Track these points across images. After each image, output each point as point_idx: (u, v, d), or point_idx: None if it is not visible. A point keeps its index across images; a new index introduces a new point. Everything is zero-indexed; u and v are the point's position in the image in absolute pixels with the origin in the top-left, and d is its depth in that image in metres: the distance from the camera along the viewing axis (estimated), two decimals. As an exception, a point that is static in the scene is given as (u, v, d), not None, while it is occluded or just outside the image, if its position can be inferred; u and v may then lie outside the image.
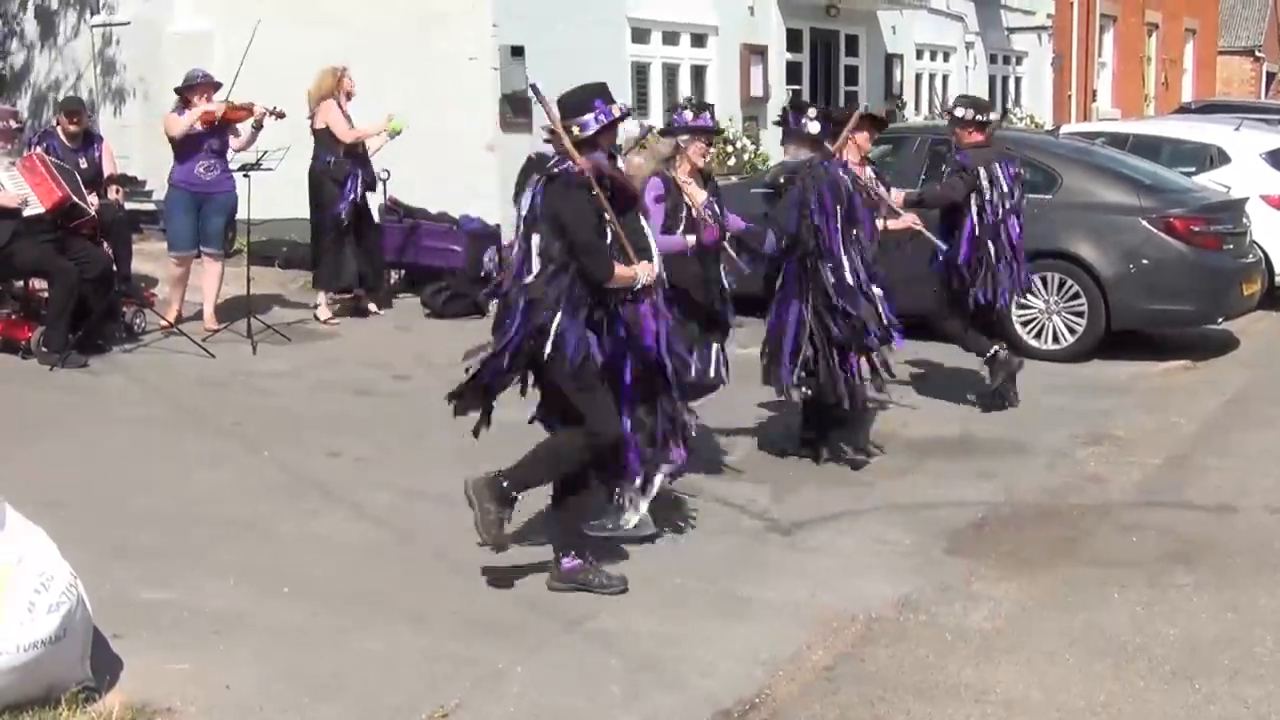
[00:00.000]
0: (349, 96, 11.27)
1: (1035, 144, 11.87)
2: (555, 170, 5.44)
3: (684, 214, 6.69)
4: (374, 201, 12.15)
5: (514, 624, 5.30)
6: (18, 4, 16.39)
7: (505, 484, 5.50)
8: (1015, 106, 25.93)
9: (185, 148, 10.48)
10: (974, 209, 8.66)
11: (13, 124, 10.06)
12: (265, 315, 10.71)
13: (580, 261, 5.40)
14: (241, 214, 10.74)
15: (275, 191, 10.92)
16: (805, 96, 18.53)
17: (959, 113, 8.99)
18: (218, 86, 10.58)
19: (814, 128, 7.46)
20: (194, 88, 10.48)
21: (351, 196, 11.22)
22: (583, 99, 5.55)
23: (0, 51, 16.41)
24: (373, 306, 11.76)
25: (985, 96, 24.20)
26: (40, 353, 9.55)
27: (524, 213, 5.46)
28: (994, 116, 9.18)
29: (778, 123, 7.82)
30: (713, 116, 7.21)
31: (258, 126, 10.57)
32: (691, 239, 6.67)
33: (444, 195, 12.91)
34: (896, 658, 5.11)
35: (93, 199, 10.01)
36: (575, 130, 5.46)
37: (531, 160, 5.85)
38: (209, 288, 10.81)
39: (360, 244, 11.43)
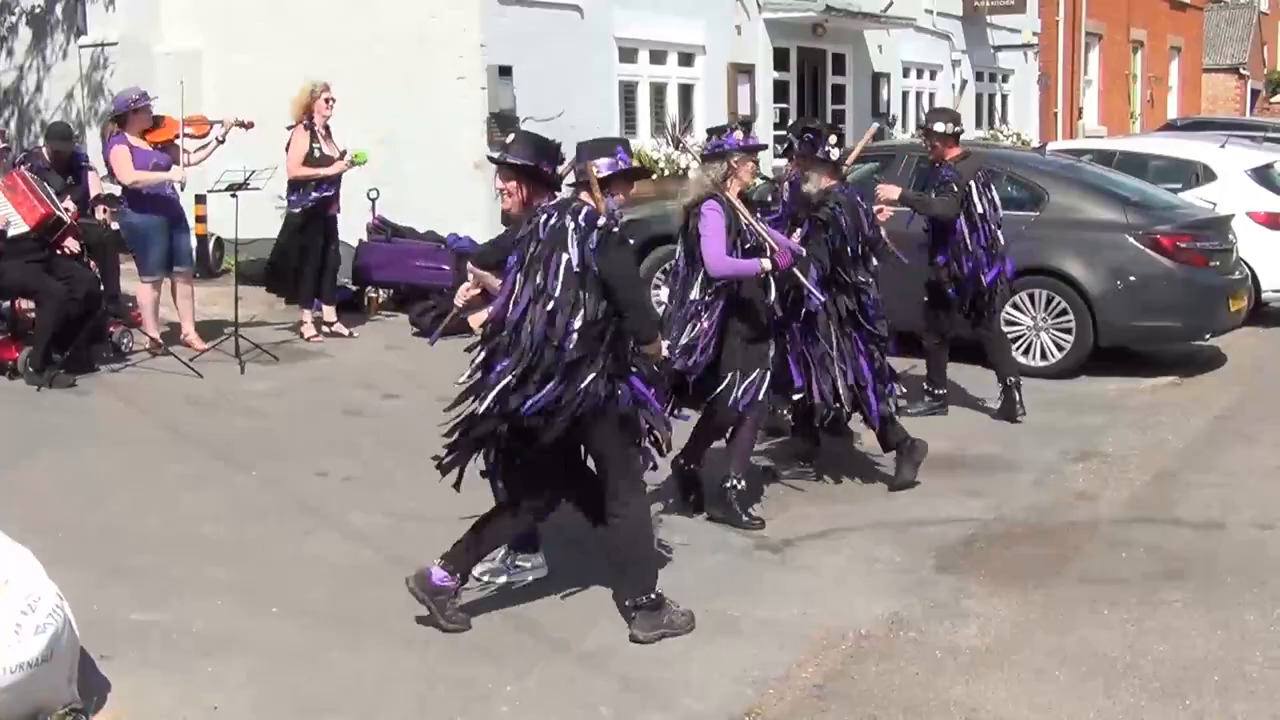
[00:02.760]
0: (324, 120, 11.15)
1: (1022, 161, 11.91)
2: (601, 224, 5.21)
3: (745, 237, 6.71)
4: (360, 220, 12.15)
5: (504, 645, 5.29)
6: (6, 25, 16.38)
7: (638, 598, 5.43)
8: (1002, 124, 26.04)
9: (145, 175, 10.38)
10: (963, 222, 8.83)
11: None
12: (253, 335, 10.68)
13: (630, 320, 5.26)
14: (229, 233, 10.73)
15: (262, 211, 10.93)
16: (793, 116, 18.61)
17: (939, 128, 9.06)
18: (154, 99, 10.51)
19: (835, 154, 7.51)
20: (136, 111, 10.33)
21: (306, 204, 11.12)
22: (606, 144, 5.54)
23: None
24: (340, 328, 11.62)
25: (972, 114, 24.39)
26: (28, 373, 9.53)
27: (571, 267, 5.14)
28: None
29: (788, 146, 7.83)
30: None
31: (221, 140, 10.54)
32: (766, 263, 6.67)
33: (432, 214, 12.92)
34: (886, 675, 5.10)
35: (68, 203, 9.96)
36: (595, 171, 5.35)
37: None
38: (188, 308, 10.77)
39: (323, 260, 11.34)
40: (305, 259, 11.22)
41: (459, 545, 5.42)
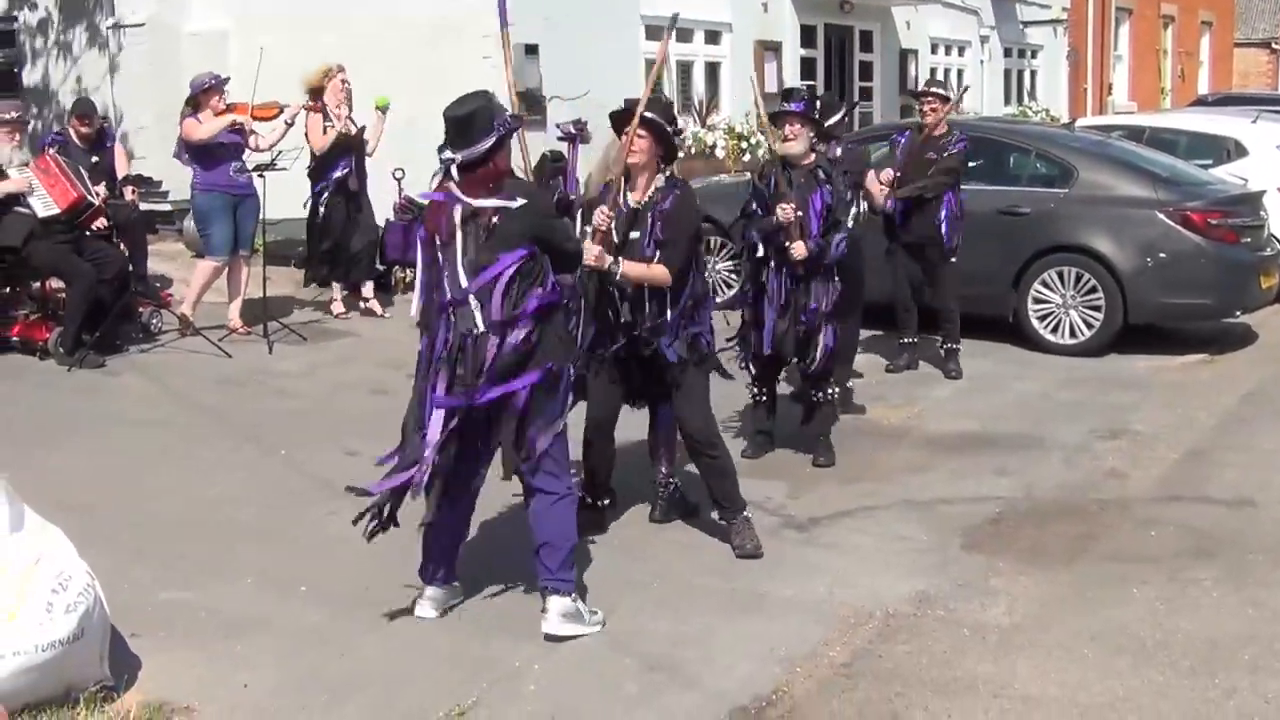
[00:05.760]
0: (336, 103, 11.13)
1: (1051, 138, 11.84)
2: None
3: None
4: (388, 200, 12.15)
5: (530, 624, 5.29)
6: (34, 6, 16.43)
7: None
8: (1031, 100, 25.86)
9: (214, 153, 10.40)
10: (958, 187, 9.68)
11: (13, 114, 10.03)
12: (281, 315, 10.71)
13: None
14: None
15: (291, 191, 10.94)
16: (820, 92, 18.53)
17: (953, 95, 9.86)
18: (226, 80, 10.60)
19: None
20: (206, 91, 10.44)
21: (323, 194, 11.15)
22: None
23: (16, 54, 16.45)
24: (375, 305, 11.64)
25: (1001, 91, 24.22)
26: (58, 353, 9.59)
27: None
28: None
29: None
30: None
31: (290, 123, 10.58)
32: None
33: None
34: (914, 654, 5.09)
35: (100, 189, 10.01)
36: None
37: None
38: (239, 288, 10.82)
39: (345, 239, 11.37)
40: (334, 239, 11.27)
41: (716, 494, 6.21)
